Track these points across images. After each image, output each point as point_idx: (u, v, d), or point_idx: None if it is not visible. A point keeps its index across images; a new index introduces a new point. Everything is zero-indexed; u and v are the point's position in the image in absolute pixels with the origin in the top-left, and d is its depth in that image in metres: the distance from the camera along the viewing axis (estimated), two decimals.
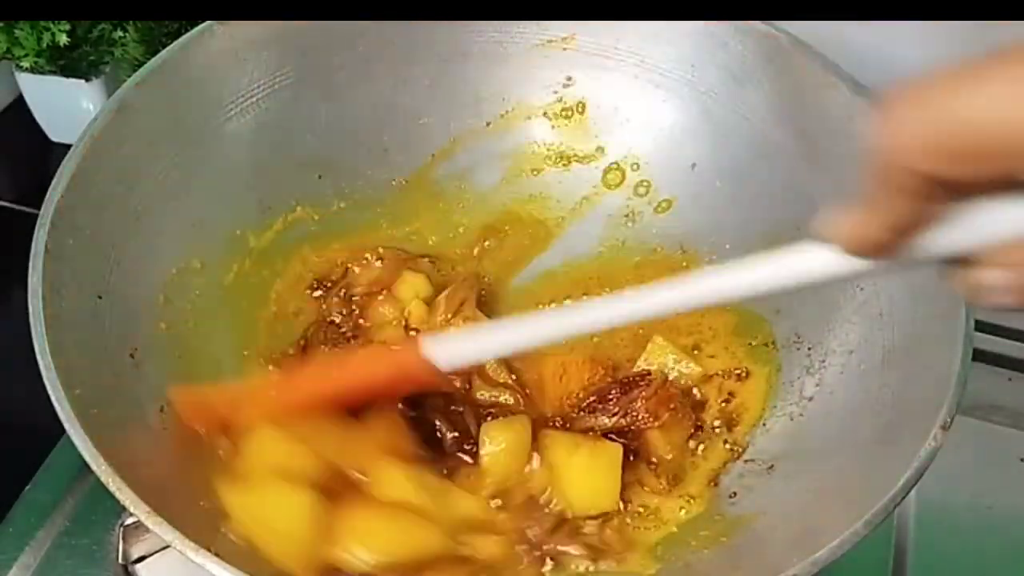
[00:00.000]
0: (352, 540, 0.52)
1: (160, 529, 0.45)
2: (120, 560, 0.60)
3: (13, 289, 0.74)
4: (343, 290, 0.70)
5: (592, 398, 0.64)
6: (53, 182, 0.55)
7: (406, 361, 0.56)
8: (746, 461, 0.62)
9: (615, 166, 0.74)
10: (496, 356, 0.64)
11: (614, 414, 0.62)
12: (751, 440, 0.63)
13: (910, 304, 0.58)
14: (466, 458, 0.61)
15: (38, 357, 0.49)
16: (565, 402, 0.65)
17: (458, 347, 0.57)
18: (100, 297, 0.56)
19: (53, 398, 0.48)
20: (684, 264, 0.72)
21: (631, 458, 0.62)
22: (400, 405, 0.61)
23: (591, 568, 0.57)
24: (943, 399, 0.50)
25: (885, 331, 0.59)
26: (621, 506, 0.60)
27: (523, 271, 0.74)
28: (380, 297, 0.70)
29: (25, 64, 0.79)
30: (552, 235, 0.75)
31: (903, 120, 0.35)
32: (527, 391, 0.65)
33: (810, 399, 0.61)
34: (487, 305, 0.71)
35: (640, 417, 0.62)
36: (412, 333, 0.68)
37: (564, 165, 0.75)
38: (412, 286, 0.70)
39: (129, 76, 0.61)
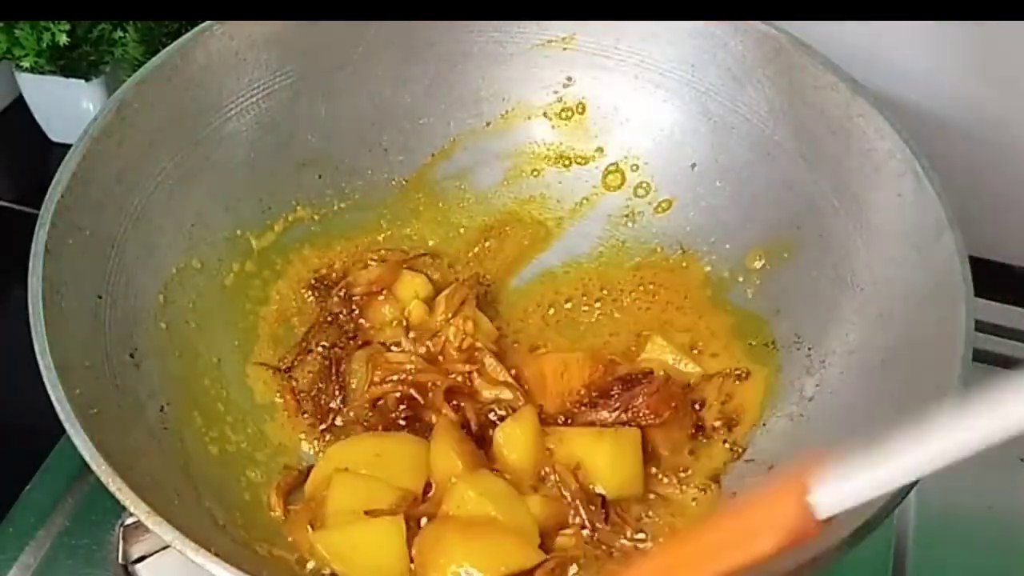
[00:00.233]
0: (454, 562, 0.54)
1: (160, 529, 0.45)
2: (120, 560, 0.60)
3: (13, 289, 0.74)
4: (343, 290, 0.70)
5: (594, 393, 0.64)
6: (53, 182, 0.55)
7: (792, 522, 0.42)
8: (746, 461, 0.62)
9: (615, 166, 0.74)
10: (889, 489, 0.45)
11: (615, 409, 0.62)
12: (751, 440, 0.63)
13: (910, 305, 0.58)
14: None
15: (38, 357, 0.49)
16: (566, 398, 0.65)
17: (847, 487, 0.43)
18: (100, 297, 0.56)
19: (53, 398, 0.48)
20: (684, 264, 0.72)
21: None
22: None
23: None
24: (943, 399, 0.50)
25: (885, 331, 0.59)
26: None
27: (523, 271, 0.74)
28: (380, 297, 0.70)
29: (25, 64, 0.79)
30: (552, 235, 0.75)
31: None
32: (526, 387, 0.65)
33: (810, 399, 0.61)
34: (487, 305, 0.71)
35: (641, 414, 0.62)
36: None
37: (564, 165, 0.75)
38: (412, 286, 0.70)
39: (129, 76, 0.61)
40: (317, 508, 0.58)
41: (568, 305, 0.72)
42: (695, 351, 0.68)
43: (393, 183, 0.74)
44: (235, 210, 0.68)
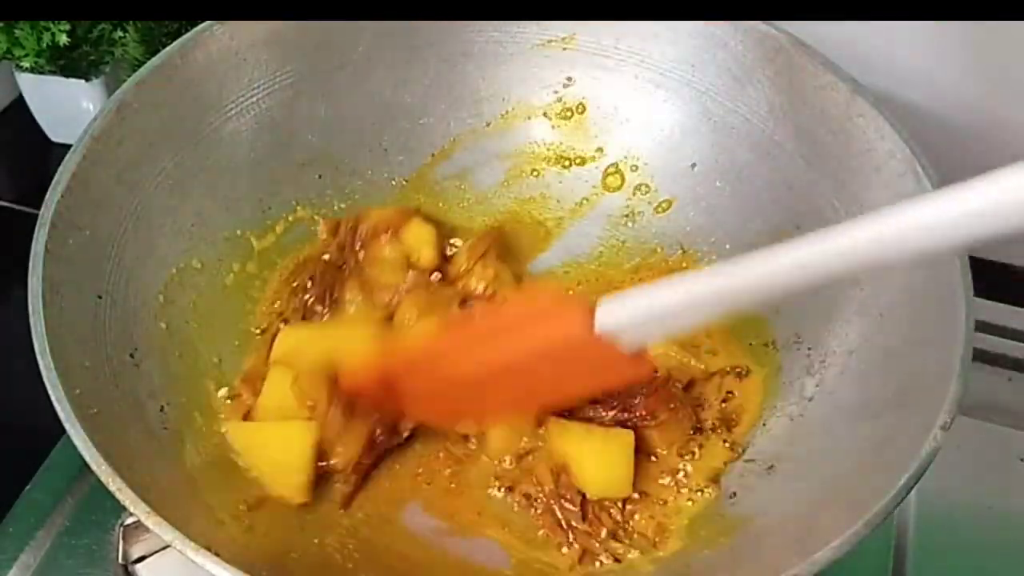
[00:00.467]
0: None
1: (160, 529, 0.45)
2: (120, 560, 0.60)
3: (13, 289, 0.74)
4: (352, 223, 0.70)
5: None
6: (53, 182, 0.55)
7: (568, 327, 0.46)
8: (746, 461, 0.62)
9: (615, 167, 0.74)
10: (691, 325, 0.47)
11: (613, 407, 0.62)
12: (751, 440, 0.63)
13: (910, 304, 0.58)
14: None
15: (38, 357, 0.49)
16: None
17: (639, 312, 0.44)
18: (100, 297, 0.56)
19: (53, 398, 0.48)
20: (684, 265, 0.72)
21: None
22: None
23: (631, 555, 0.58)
24: (943, 399, 0.50)
25: (885, 331, 0.59)
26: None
27: (523, 271, 0.74)
28: (385, 235, 0.70)
29: (25, 64, 0.79)
30: (552, 235, 0.75)
31: None
32: None
33: (810, 399, 0.61)
34: None
35: (638, 414, 0.62)
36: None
37: (564, 166, 0.75)
38: (419, 234, 0.70)
39: (129, 76, 0.61)
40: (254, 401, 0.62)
41: None
42: (694, 350, 0.68)
43: (393, 183, 0.74)
44: (235, 210, 0.68)
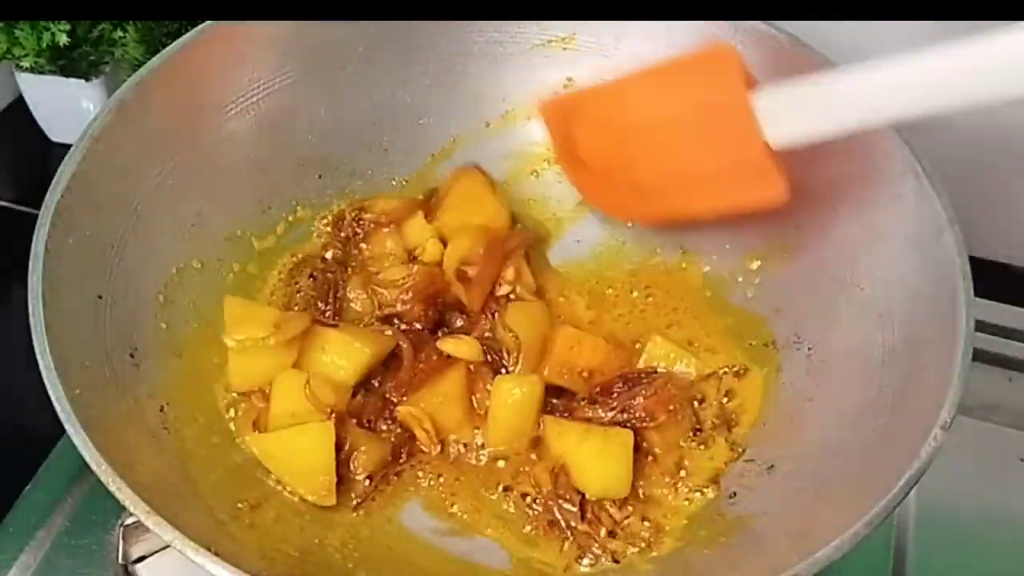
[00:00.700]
0: None
1: (160, 529, 0.45)
2: (120, 560, 0.60)
3: (13, 289, 0.74)
4: (356, 212, 0.71)
5: (596, 389, 0.64)
6: (53, 182, 0.55)
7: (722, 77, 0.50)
8: (746, 461, 0.62)
9: None
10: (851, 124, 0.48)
11: (612, 408, 0.62)
12: (751, 440, 0.63)
13: (910, 304, 0.58)
14: None
15: (38, 357, 0.50)
16: (567, 372, 0.64)
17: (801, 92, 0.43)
18: (100, 297, 0.56)
19: (53, 398, 0.48)
20: (683, 265, 0.72)
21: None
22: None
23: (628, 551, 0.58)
24: (943, 399, 0.50)
25: (885, 331, 0.58)
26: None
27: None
28: (386, 229, 0.70)
29: (25, 64, 0.79)
30: (551, 236, 0.75)
31: None
32: (533, 348, 0.65)
33: (810, 399, 0.61)
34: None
35: (637, 415, 0.62)
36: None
37: None
38: (421, 230, 0.70)
39: (129, 76, 0.61)
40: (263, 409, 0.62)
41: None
42: (694, 349, 0.68)
43: (393, 183, 0.74)
44: (235, 210, 0.68)
